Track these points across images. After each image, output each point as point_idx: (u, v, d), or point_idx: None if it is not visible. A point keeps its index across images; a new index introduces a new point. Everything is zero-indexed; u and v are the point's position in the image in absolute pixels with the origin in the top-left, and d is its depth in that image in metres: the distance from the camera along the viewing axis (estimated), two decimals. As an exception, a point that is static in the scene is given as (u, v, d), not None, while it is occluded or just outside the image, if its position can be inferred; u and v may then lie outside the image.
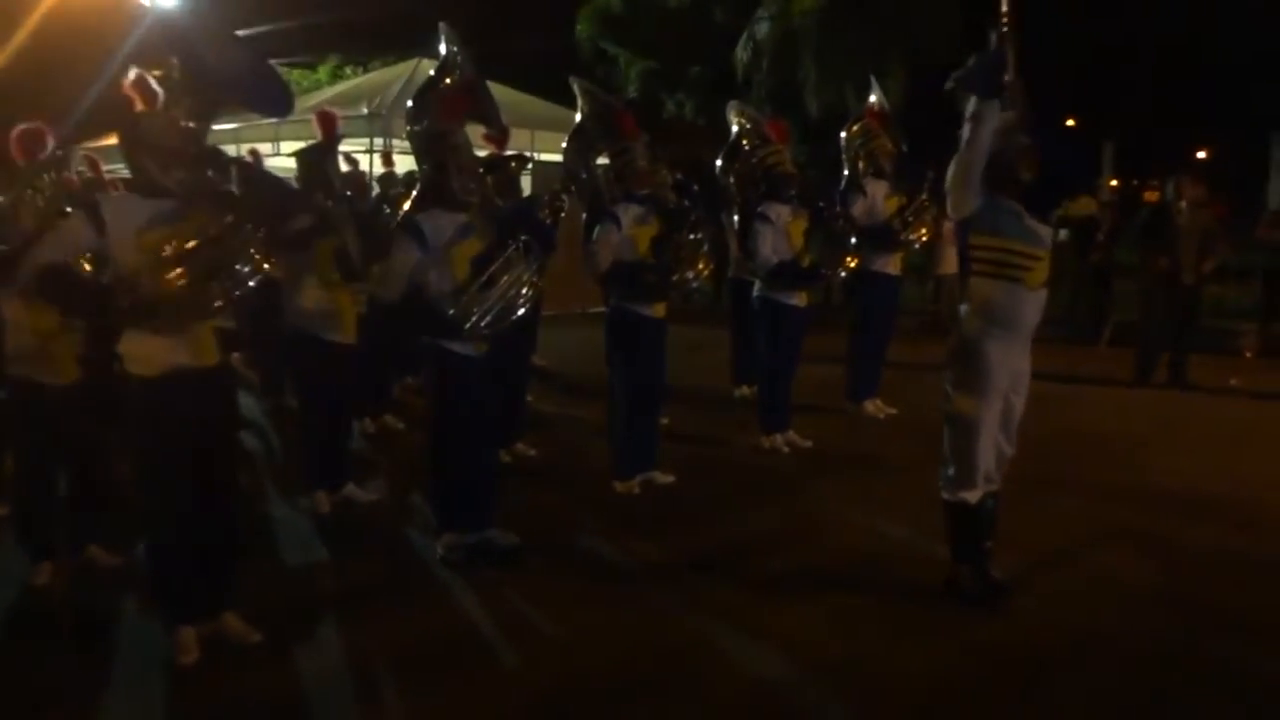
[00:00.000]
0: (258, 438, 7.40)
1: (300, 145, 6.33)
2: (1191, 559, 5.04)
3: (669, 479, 6.17)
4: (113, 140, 13.43)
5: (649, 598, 4.59)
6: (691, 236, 6.15)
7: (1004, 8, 4.24)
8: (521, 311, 4.82)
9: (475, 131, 5.46)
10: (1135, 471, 6.58)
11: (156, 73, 3.80)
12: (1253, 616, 4.37)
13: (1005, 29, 4.17)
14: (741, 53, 20.42)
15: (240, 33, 4.29)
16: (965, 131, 4.10)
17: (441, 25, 5.08)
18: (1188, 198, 9.55)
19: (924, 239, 8.13)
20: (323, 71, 25.64)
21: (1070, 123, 24.22)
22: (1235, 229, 11.79)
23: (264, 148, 11.54)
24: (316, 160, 5.86)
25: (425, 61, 15.32)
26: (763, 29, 20.17)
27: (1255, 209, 16.22)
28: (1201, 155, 30.79)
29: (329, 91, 18.51)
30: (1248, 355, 11.08)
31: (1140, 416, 8.31)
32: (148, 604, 4.27)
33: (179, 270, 3.60)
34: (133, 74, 3.80)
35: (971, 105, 4.06)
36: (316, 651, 4.08)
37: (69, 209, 4.29)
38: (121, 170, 11.87)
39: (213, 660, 3.89)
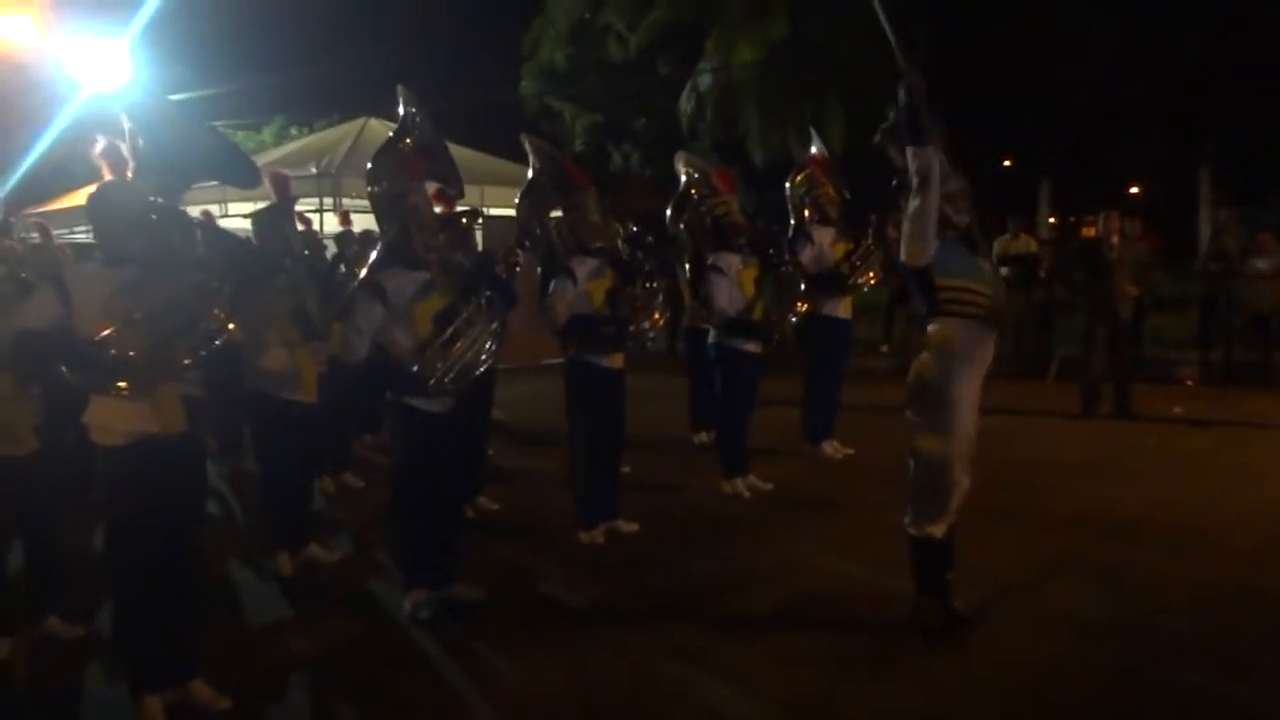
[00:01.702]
0: (218, 502, 7.34)
1: (248, 206, 6.38)
2: (1139, 585, 5.16)
3: (633, 527, 6.21)
4: (57, 205, 13.34)
5: (617, 645, 4.61)
6: (646, 287, 6.26)
7: (900, 59, 4.40)
8: (485, 367, 4.88)
9: (427, 188, 5.53)
10: (1084, 500, 6.73)
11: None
12: (1203, 642, 4.48)
13: (908, 77, 4.32)
14: (685, 104, 20.80)
15: (183, 95, 4.38)
16: (913, 183, 4.22)
17: (399, 87, 5.16)
18: (1118, 231, 9.85)
19: (872, 283, 8.29)
20: (268, 133, 25.70)
21: (1006, 163, 24.81)
22: (1169, 260, 12.18)
23: (213, 209, 11.50)
24: (273, 221, 5.90)
25: (373, 121, 15.45)
26: (705, 81, 20.57)
27: (1188, 241, 16.74)
28: (1134, 191, 31.68)
29: (276, 152, 18.51)
30: (1188, 384, 11.38)
31: (1088, 447, 8.50)
32: (111, 675, 4.24)
33: (145, 332, 3.62)
34: (102, 143, 3.85)
35: (910, 158, 4.20)
36: (286, 714, 4.06)
37: (32, 281, 4.28)
38: (70, 235, 11.79)
39: (181, 729, 3.86)
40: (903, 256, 4.41)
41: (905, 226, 4.31)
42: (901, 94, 4.28)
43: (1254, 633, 4.55)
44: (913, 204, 4.23)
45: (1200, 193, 20.20)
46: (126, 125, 3.92)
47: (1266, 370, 11.20)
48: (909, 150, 4.18)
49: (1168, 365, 11.94)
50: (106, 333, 3.62)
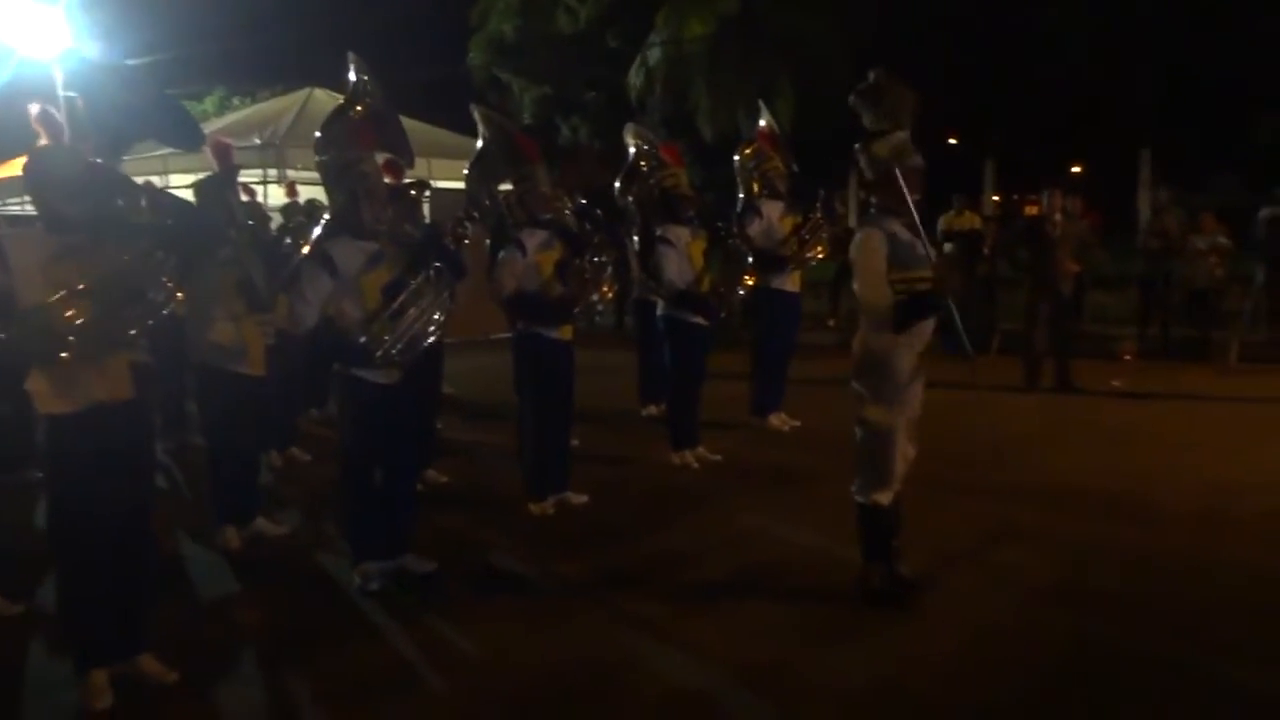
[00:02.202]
0: (163, 475, 7.23)
1: (190, 176, 6.25)
2: (1083, 552, 5.29)
3: (583, 499, 6.23)
4: (-3, 174, 12.89)
5: (569, 616, 4.64)
6: (594, 260, 6.25)
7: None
8: (433, 338, 4.85)
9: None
10: (1028, 471, 6.86)
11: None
12: (1144, 605, 4.61)
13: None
14: (634, 78, 20.71)
15: (124, 63, 4.28)
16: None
17: (350, 54, 5.08)
18: (1060, 209, 10.01)
19: (820, 256, 8.34)
20: (209, 102, 25.22)
21: (952, 140, 25.06)
22: (1109, 239, 12.41)
23: (154, 179, 11.28)
24: (216, 190, 5.79)
25: (318, 91, 15.20)
26: (655, 54, 20.49)
27: (1127, 221, 17.05)
28: (1076, 170, 32.16)
29: (218, 122, 18.15)
30: (1127, 359, 11.62)
31: (1030, 419, 8.65)
32: (54, 651, 4.18)
33: (90, 301, 3.55)
34: (36, 109, 3.75)
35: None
36: (236, 688, 4.03)
37: None
38: (4, 207, 11.48)
39: (128, 704, 3.81)
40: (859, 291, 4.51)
41: (860, 282, 4.47)
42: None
43: (1192, 595, 4.70)
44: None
45: (1140, 173, 20.57)
46: (62, 89, 3.82)
47: (1203, 345, 11.48)
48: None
49: (1108, 340, 12.18)
50: (53, 300, 3.53)
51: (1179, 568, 5.05)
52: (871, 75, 4.56)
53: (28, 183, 3.81)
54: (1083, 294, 12.20)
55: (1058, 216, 9.99)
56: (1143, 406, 9.18)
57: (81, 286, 3.55)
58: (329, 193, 5.10)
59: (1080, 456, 7.32)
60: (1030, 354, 10.07)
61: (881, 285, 4.36)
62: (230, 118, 18.81)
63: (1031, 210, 16.57)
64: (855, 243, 4.50)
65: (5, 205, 13.64)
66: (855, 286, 4.53)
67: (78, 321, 3.54)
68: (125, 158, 4.43)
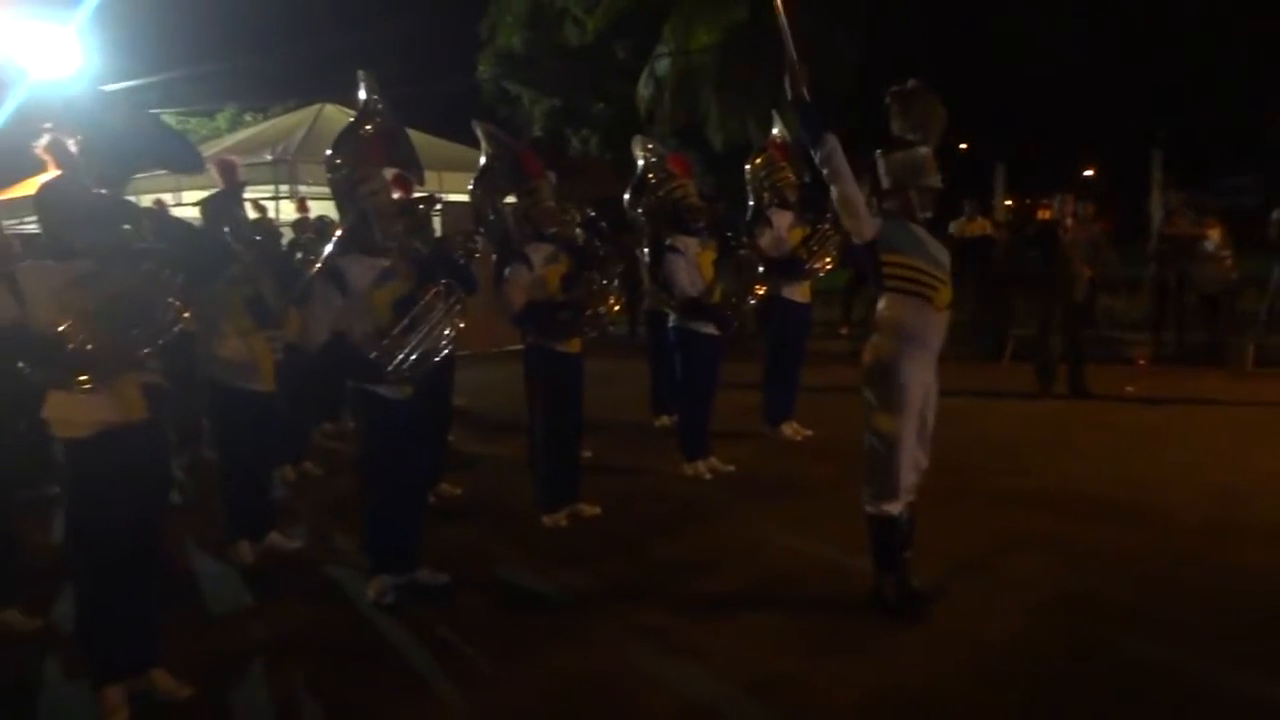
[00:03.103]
0: (177, 491, 7.27)
1: (202, 193, 6.30)
2: (1098, 560, 5.26)
3: (595, 510, 6.24)
4: (6, 195, 13.07)
5: (580, 627, 4.65)
6: (601, 273, 6.27)
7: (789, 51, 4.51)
8: (445, 353, 4.88)
9: (385, 174, 5.51)
10: (1040, 478, 6.84)
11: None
12: (1155, 614, 4.58)
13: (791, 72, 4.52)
14: (643, 89, 20.75)
15: (136, 82, 4.35)
16: (825, 173, 4.39)
17: (361, 72, 5.12)
18: (1072, 214, 9.99)
19: (829, 267, 8.33)
20: (221, 119, 25.37)
21: (963, 146, 25.02)
22: (1121, 243, 12.37)
23: (166, 197, 11.36)
24: (222, 208, 5.83)
25: (329, 107, 15.30)
26: (663, 65, 20.53)
27: (1140, 224, 16.98)
28: (1089, 173, 32.04)
29: (230, 139, 18.29)
30: (1141, 363, 11.58)
31: (1044, 426, 8.64)
32: (71, 666, 4.21)
33: (101, 324, 3.60)
34: (46, 139, 3.82)
35: (816, 158, 4.41)
36: (249, 702, 4.06)
37: None
38: (19, 226, 11.59)
39: (143, 718, 3.83)
40: (851, 234, 4.53)
41: (839, 210, 4.47)
42: (789, 89, 4.41)
43: (1204, 605, 4.65)
44: (833, 194, 4.42)
45: (1152, 176, 20.48)
46: (68, 118, 3.89)
47: (1216, 349, 11.42)
48: (813, 152, 4.31)
49: (1121, 345, 12.14)
50: (63, 327, 3.59)
51: (1192, 575, 5.02)
52: (910, 82, 4.56)
53: (38, 213, 3.91)
54: (1095, 298, 12.15)
55: (1069, 221, 9.98)
56: (1157, 412, 9.13)
57: (91, 309, 3.60)
58: (340, 209, 5.14)
59: (1094, 463, 7.29)
60: (1043, 360, 10.04)
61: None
62: (242, 134, 18.94)
63: (1044, 214, 16.53)
64: None
65: (21, 224, 13.75)
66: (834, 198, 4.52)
67: (88, 346, 3.58)
68: (138, 175, 4.48)
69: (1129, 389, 9.98)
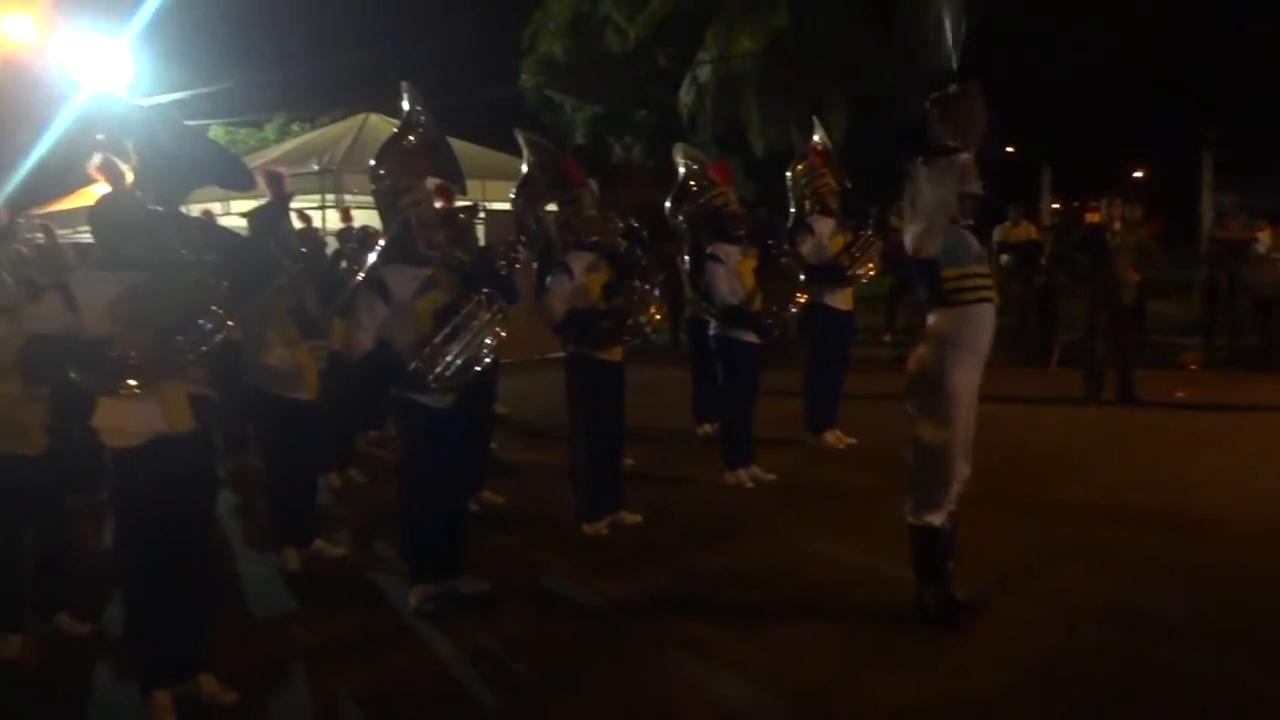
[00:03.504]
0: (223, 498, 7.37)
1: (250, 203, 6.39)
2: (1147, 570, 5.19)
3: (636, 519, 6.24)
4: (61, 206, 13.39)
5: (621, 636, 4.65)
6: (642, 282, 6.27)
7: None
8: (486, 361, 4.91)
9: (428, 184, 5.55)
10: (1088, 487, 6.75)
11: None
12: (1203, 625, 4.51)
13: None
14: (685, 96, 20.73)
15: (186, 93, 4.44)
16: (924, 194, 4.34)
17: (404, 83, 5.19)
18: (1120, 217, 9.85)
19: (871, 274, 8.28)
20: (270, 129, 25.74)
21: (1009, 149, 24.77)
22: (1171, 245, 12.19)
23: (215, 207, 11.55)
24: (269, 219, 5.91)
25: (374, 116, 15.46)
26: (704, 72, 20.49)
27: (1190, 227, 16.70)
28: (1138, 175, 31.57)
29: (277, 149, 18.54)
30: (1192, 369, 11.39)
31: (1091, 433, 8.52)
32: (119, 670, 4.28)
33: (149, 331, 3.68)
34: (98, 158, 3.91)
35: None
36: (293, 709, 4.11)
37: (43, 285, 4.35)
38: (74, 235, 11.84)
39: (189, 723, 3.90)
40: (911, 249, 4.44)
41: (917, 222, 4.36)
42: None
43: (1254, 616, 4.57)
44: (928, 197, 4.33)
45: (1202, 177, 20.14)
46: (121, 136, 3.97)
47: (1269, 354, 11.20)
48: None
49: (1171, 350, 11.94)
50: (109, 333, 3.67)
51: (1242, 586, 4.94)
52: (951, 87, 4.52)
53: (93, 227, 4.01)
54: (1144, 303, 11.98)
55: (1117, 225, 9.84)
56: (1208, 418, 8.98)
57: (139, 319, 3.67)
58: (383, 220, 5.19)
59: (1143, 470, 7.18)
60: (1091, 366, 9.91)
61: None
62: (289, 144, 19.20)
63: (1092, 218, 16.33)
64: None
65: (76, 233, 14.03)
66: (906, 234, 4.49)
67: (133, 352, 3.66)
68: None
69: (1179, 395, 9.82)
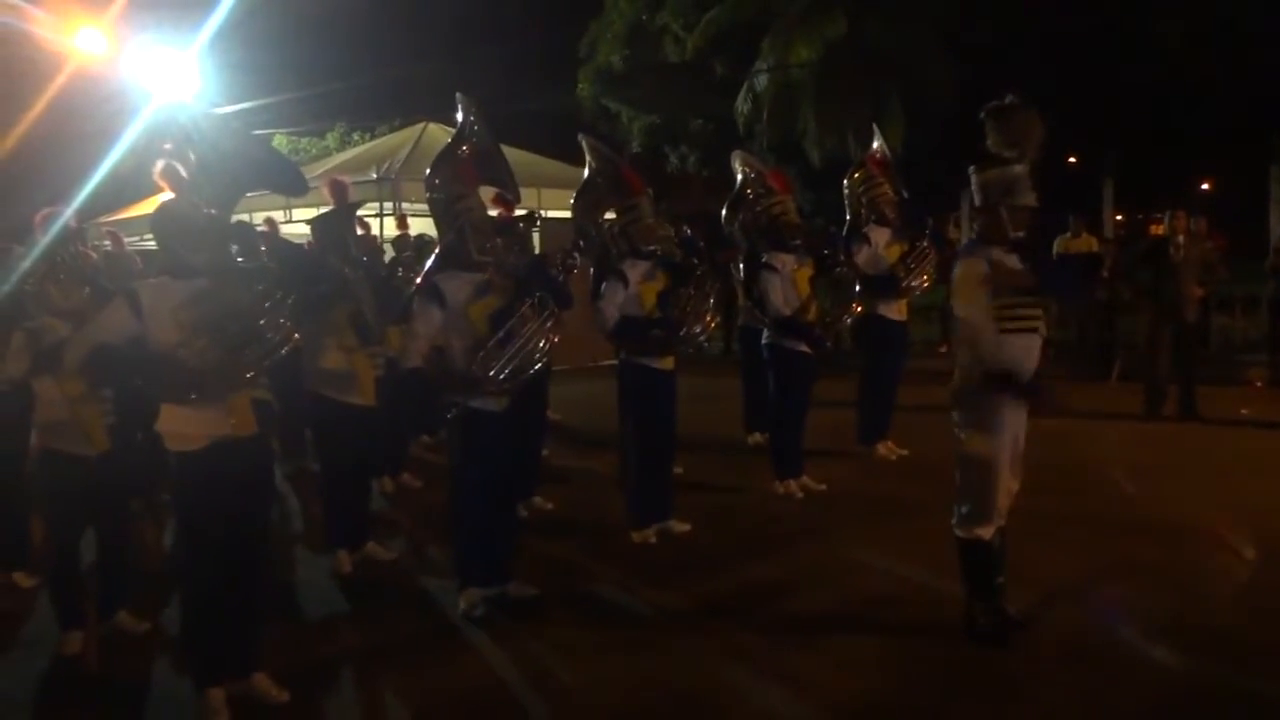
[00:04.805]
0: (280, 501, 7.50)
1: (311, 211, 6.50)
2: (1207, 589, 5.08)
3: (685, 527, 6.23)
4: (129, 214, 13.78)
5: (668, 644, 4.65)
6: (697, 290, 6.28)
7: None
8: (538, 365, 4.95)
9: (486, 193, 5.63)
10: (1147, 504, 6.62)
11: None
12: (1261, 644, 4.40)
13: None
14: (742, 105, 20.73)
15: (250, 104, 4.53)
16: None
17: (459, 94, 5.26)
18: (1184, 230, 9.66)
19: (926, 285, 8.20)
20: (331, 138, 26.16)
21: (1071, 160, 24.41)
22: (1237, 260, 11.93)
23: (277, 215, 11.78)
24: (333, 226, 6.01)
25: (432, 125, 15.66)
26: (761, 81, 20.49)
27: (1258, 242, 16.34)
28: (1205, 187, 30.92)
29: (338, 158, 18.85)
30: (1257, 385, 11.12)
31: (1151, 449, 8.35)
32: (177, 668, 4.38)
33: (214, 342, 3.77)
34: (161, 164, 4.00)
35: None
36: (344, 709, 4.16)
37: (111, 291, 4.46)
38: (140, 242, 12.14)
39: (242, 720, 3.96)
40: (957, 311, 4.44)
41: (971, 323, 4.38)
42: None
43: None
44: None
45: (1270, 190, 19.68)
46: (186, 143, 4.07)
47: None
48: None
49: (1236, 366, 11.67)
50: (177, 345, 3.76)
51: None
52: (1007, 98, 4.48)
53: (155, 233, 4.10)
54: (1208, 318, 11.74)
55: (1180, 238, 9.64)
56: (1273, 436, 8.76)
57: (204, 327, 3.76)
58: (438, 228, 5.26)
59: (1203, 489, 7.01)
60: (1152, 381, 9.71)
61: (979, 308, 4.28)
62: (349, 153, 19.51)
63: (1157, 230, 16.06)
64: (955, 270, 4.43)
65: (143, 240, 14.39)
66: (955, 311, 4.46)
67: (200, 367, 3.74)
68: (249, 194, 4.66)
69: (1243, 412, 9.60)
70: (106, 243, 8.70)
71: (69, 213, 5.04)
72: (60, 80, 14.43)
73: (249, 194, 4.56)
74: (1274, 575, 5.25)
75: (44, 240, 4.84)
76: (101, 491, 4.75)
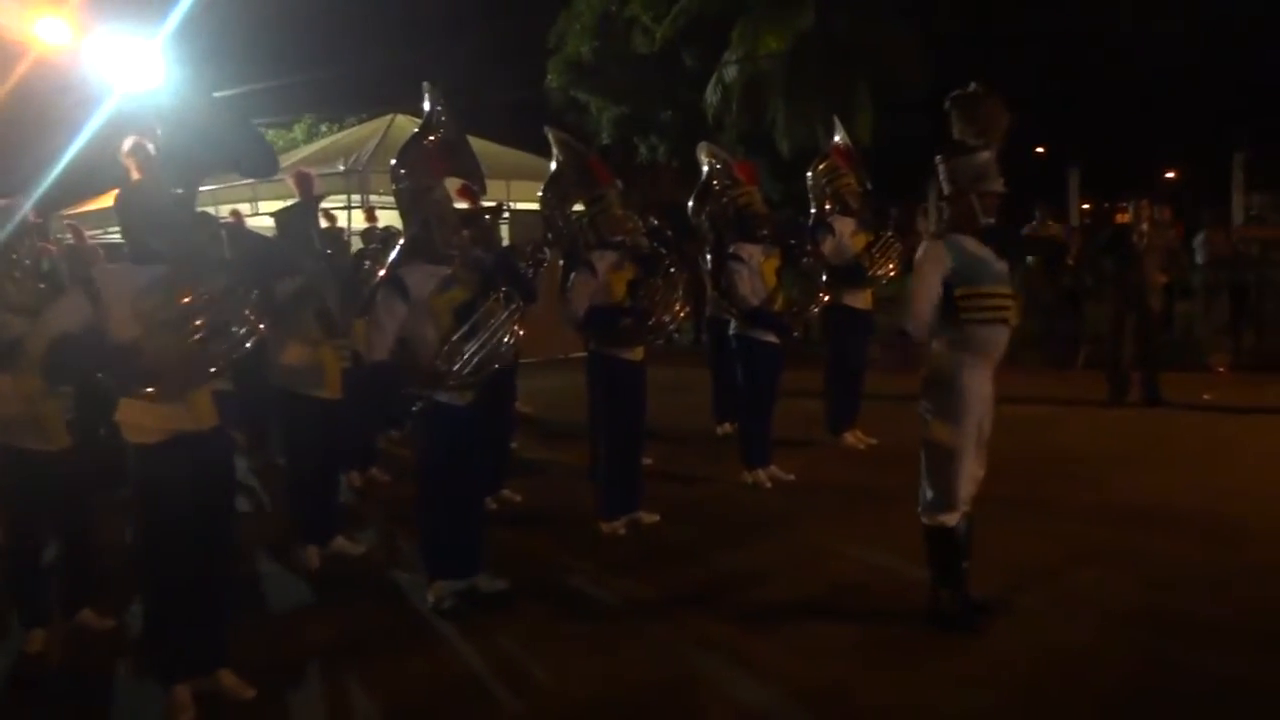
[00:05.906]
0: (246, 495, 7.45)
1: (279, 204, 6.45)
2: (1165, 573, 5.14)
3: (654, 518, 6.25)
4: (90, 206, 13.61)
5: (638, 635, 4.66)
6: (665, 281, 6.28)
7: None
8: (504, 359, 4.94)
9: (452, 184, 5.59)
10: (1111, 489, 6.69)
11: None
12: (1226, 627, 4.47)
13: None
14: (711, 96, 20.71)
15: (216, 94, 4.42)
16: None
17: (425, 84, 5.22)
18: (1148, 219, 9.76)
19: (892, 275, 8.24)
20: (299, 130, 25.93)
21: (1039, 150, 24.56)
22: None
23: (243, 208, 11.67)
24: (297, 219, 5.97)
25: (400, 117, 15.55)
26: (731, 72, 20.47)
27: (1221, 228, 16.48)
28: (1170, 175, 31.17)
29: (306, 150, 18.69)
30: (1219, 371, 11.26)
31: (1116, 435, 8.45)
32: (141, 665, 4.34)
33: (177, 335, 3.70)
34: (129, 142, 3.93)
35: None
36: (311, 704, 4.14)
37: (67, 284, 4.39)
38: (103, 235, 11.99)
39: (208, 718, 3.93)
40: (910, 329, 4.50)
41: (911, 313, 4.43)
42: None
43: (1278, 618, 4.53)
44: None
45: (1233, 178, 19.90)
46: (153, 124, 4.00)
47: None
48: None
49: (1198, 352, 11.82)
50: (134, 336, 3.70)
51: (1266, 589, 4.88)
52: (971, 86, 4.51)
53: (118, 216, 4.02)
54: (1171, 305, 11.86)
55: (1144, 226, 9.74)
56: (1235, 421, 8.88)
57: (163, 316, 3.70)
58: (404, 219, 5.23)
59: (1167, 473, 7.11)
60: (1116, 367, 9.83)
61: (927, 296, 4.34)
62: (317, 145, 19.36)
63: (1122, 218, 16.19)
64: (918, 252, 4.46)
65: (105, 233, 14.22)
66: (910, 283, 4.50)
67: (161, 361, 3.69)
68: (215, 186, 4.60)
69: (1206, 396, 9.72)
70: (68, 236, 8.59)
71: (27, 205, 4.95)
72: (21, 70, 14.18)
73: (215, 186, 4.49)
74: (1238, 559, 5.32)
75: None
76: (61, 487, 4.69)
